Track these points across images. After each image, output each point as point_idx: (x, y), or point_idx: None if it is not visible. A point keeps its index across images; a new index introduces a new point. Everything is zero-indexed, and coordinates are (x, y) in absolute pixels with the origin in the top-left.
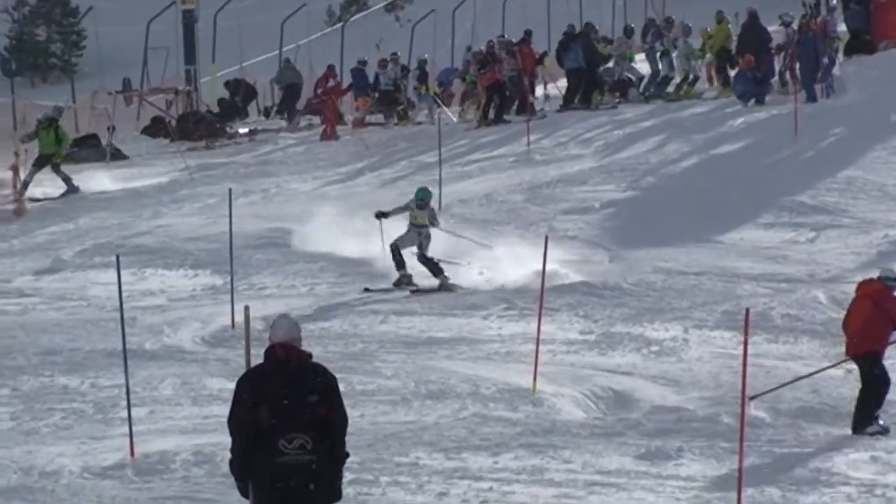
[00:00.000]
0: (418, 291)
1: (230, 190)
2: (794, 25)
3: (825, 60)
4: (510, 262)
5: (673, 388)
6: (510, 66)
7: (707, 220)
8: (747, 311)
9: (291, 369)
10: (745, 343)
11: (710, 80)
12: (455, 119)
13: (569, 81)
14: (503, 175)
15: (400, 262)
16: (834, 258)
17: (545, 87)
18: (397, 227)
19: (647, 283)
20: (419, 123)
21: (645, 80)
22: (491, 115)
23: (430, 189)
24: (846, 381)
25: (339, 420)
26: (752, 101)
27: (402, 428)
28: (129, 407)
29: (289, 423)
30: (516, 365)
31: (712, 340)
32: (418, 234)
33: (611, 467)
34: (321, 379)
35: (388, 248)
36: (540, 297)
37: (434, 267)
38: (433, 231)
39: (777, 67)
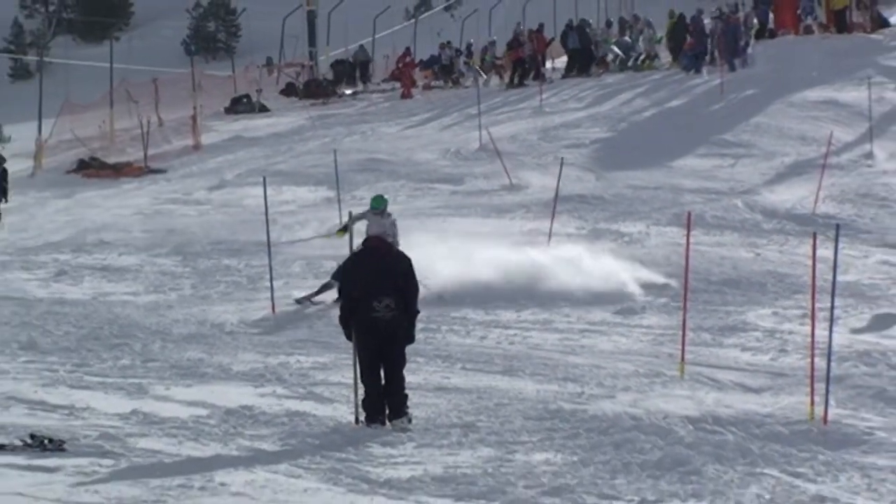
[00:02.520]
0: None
1: (333, 137)
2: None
3: (742, 43)
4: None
5: (639, 265)
6: (529, 48)
7: (661, 152)
8: (689, 213)
9: (380, 254)
10: (688, 235)
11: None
12: (490, 83)
13: (569, 58)
14: (523, 122)
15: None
16: (747, 177)
17: (552, 62)
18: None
19: (621, 195)
20: (466, 87)
21: (619, 57)
22: (515, 80)
23: (385, 196)
24: (756, 261)
25: (412, 288)
26: (693, 70)
27: (456, 290)
28: (271, 280)
29: (377, 290)
30: (532, 249)
31: (665, 233)
32: None
33: (596, 319)
34: (401, 261)
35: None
36: (554, 204)
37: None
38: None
39: (709, 48)
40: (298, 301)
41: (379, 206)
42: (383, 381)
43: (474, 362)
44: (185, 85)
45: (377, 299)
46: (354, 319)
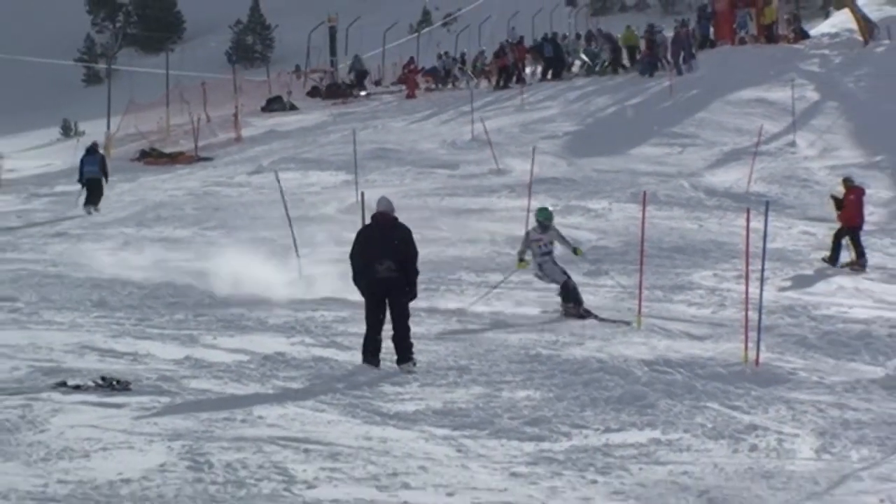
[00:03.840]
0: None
1: (353, 129)
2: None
3: (688, 52)
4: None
5: (602, 234)
6: (512, 56)
7: (621, 142)
8: (644, 193)
9: (383, 226)
10: (644, 211)
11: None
12: (480, 86)
13: (545, 65)
14: (507, 117)
15: (578, 297)
16: (692, 162)
17: (531, 69)
18: None
19: (588, 177)
20: (461, 89)
21: (586, 64)
22: (501, 83)
23: (549, 209)
24: (700, 231)
25: (412, 253)
26: (647, 74)
27: (452, 259)
28: (296, 248)
29: (380, 255)
30: (516, 223)
31: (624, 209)
32: (555, 264)
33: None
34: (401, 231)
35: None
36: (528, 186)
37: (578, 296)
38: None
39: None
40: None
41: (546, 218)
42: (392, 331)
43: (470, 315)
44: (228, 88)
45: (379, 262)
46: (361, 279)
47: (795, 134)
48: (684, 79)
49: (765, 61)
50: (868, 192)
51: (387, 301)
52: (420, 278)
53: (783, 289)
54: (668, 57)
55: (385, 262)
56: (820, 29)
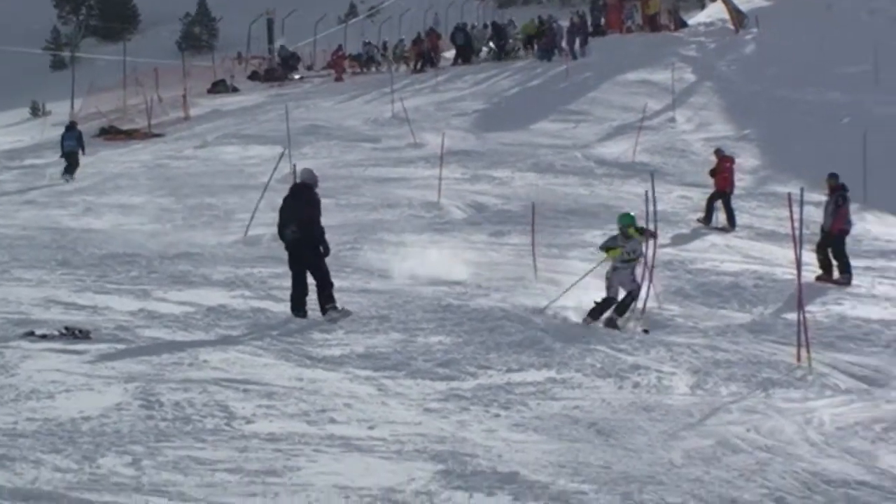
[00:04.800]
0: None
1: (286, 107)
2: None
3: (582, 39)
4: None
5: (506, 199)
6: (427, 44)
7: (523, 118)
8: (541, 162)
9: (296, 194)
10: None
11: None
12: (400, 70)
13: (456, 51)
14: (423, 97)
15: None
16: (585, 136)
17: (444, 54)
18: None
19: (494, 149)
20: (382, 73)
21: (493, 50)
22: (418, 67)
23: (632, 214)
24: (591, 196)
25: (314, 217)
26: (546, 59)
27: (374, 221)
28: (252, 213)
29: (290, 219)
30: (430, 190)
31: (525, 178)
32: (631, 273)
33: (478, 240)
34: (309, 197)
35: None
36: (440, 157)
37: (626, 309)
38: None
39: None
40: None
41: (626, 224)
42: (312, 284)
43: (389, 270)
44: (178, 73)
45: (288, 226)
46: (282, 238)
47: (675, 111)
48: (578, 63)
49: (649, 47)
50: (738, 161)
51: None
52: (345, 238)
53: (663, 245)
54: (564, 44)
55: (291, 226)
56: (697, 19)
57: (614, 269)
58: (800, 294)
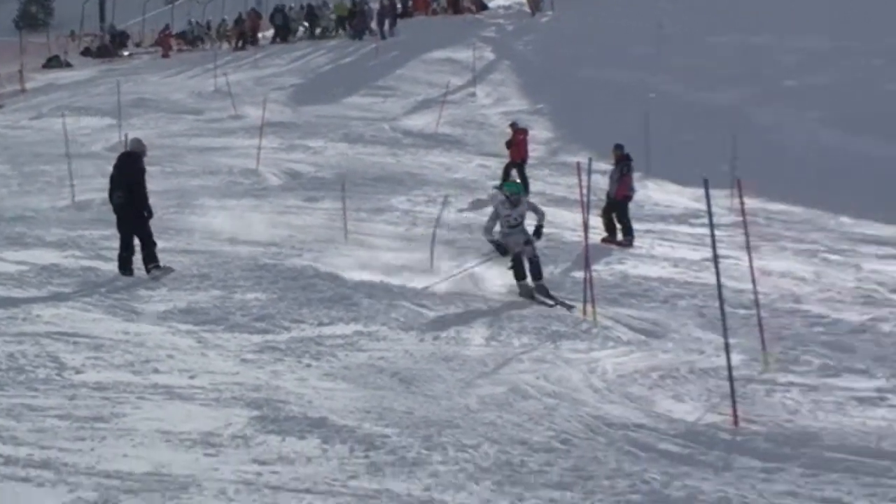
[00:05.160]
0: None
1: (117, 81)
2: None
3: (391, 20)
4: (246, 112)
5: (319, 168)
6: (249, 23)
7: (336, 93)
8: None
9: (122, 161)
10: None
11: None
12: (223, 47)
13: (275, 31)
14: (244, 73)
15: (521, 271)
16: (392, 110)
17: (264, 33)
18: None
19: (309, 122)
20: (206, 50)
21: (308, 30)
22: (239, 45)
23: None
24: (397, 164)
25: (138, 183)
26: (357, 38)
27: (197, 187)
28: (71, 179)
29: (117, 185)
30: (249, 158)
31: (337, 147)
32: (522, 234)
33: (292, 205)
34: (133, 165)
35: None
36: (259, 128)
37: (538, 270)
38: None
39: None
40: None
41: (514, 192)
42: (136, 245)
43: (210, 232)
44: (15, 49)
45: (115, 192)
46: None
47: (475, 87)
48: (387, 42)
49: (452, 28)
50: (531, 133)
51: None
52: (169, 202)
53: (462, 210)
54: (374, 25)
55: (118, 192)
56: (497, 2)
57: (505, 235)
58: (587, 254)
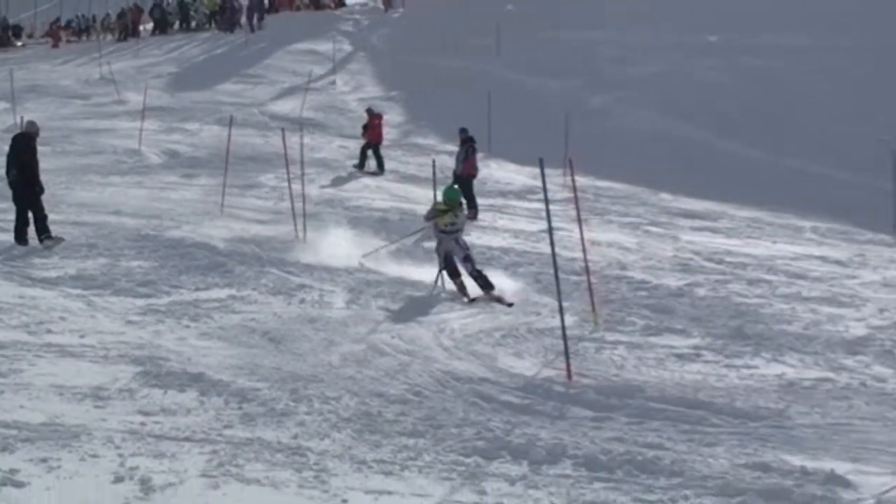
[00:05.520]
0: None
1: (11, 69)
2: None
3: (260, 15)
4: (129, 98)
5: (196, 148)
6: (131, 17)
7: (209, 80)
8: (230, 117)
9: (16, 142)
10: (229, 133)
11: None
12: (107, 39)
13: (154, 24)
14: (126, 62)
15: (454, 270)
16: (260, 96)
17: (144, 26)
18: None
19: (186, 106)
20: (93, 41)
21: (185, 24)
22: (122, 37)
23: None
24: (266, 145)
25: (33, 162)
26: (228, 31)
27: (85, 165)
28: None
29: (10, 164)
30: (132, 139)
31: (211, 130)
32: (455, 243)
33: (171, 181)
34: (24, 144)
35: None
36: (141, 112)
37: (486, 281)
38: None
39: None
40: None
41: (452, 200)
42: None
43: (97, 206)
44: None
45: (9, 170)
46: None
47: (335, 75)
48: (256, 35)
49: (314, 23)
50: (386, 117)
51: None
52: (60, 179)
53: (324, 186)
54: (244, 19)
55: (13, 170)
56: None
57: (439, 241)
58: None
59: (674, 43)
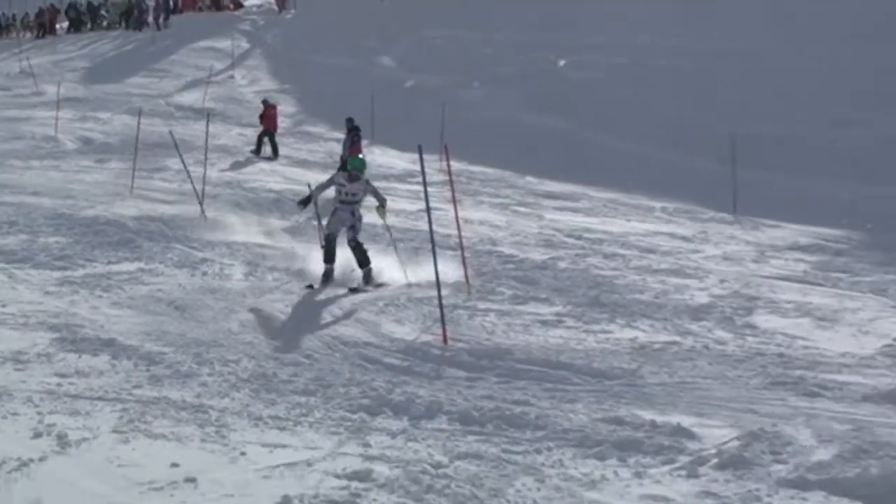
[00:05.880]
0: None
1: None
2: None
3: (165, 14)
4: (46, 90)
5: (108, 135)
6: (47, 17)
7: (119, 74)
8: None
9: None
10: (139, 122)
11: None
12: (27, 36)
13: (69, 23)
14: (43, 58)
15: (330, 254)
16: (166, 88)
17: (61, 25)
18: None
19: (98, 97)
20: (12, 38)
21: (97, 23)
22: (40, 35)
23: (364, 159)
24: (170, 134)
25: None
26: (137, 29)
27: (6, 151)
28: None
29: None
30: (49, 127)
31: (122, 119)
32: (351, 215)
33: (86, 165)
34: None
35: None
36: (57, 102)
37: (364, 256)
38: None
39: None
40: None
41: (360, 169)
42: None
43: (17, 187)
44: None
45: None
46: None
47: (234, 70)
48: (162, 33)
49: (214, 23)
50: (280, 107)
51: None
52: None
53: (224, 170)
54: (151, 19)
55: None
56: (251, 1)
57: (335, 209)
58: (316, 204)
59: (540, 43)
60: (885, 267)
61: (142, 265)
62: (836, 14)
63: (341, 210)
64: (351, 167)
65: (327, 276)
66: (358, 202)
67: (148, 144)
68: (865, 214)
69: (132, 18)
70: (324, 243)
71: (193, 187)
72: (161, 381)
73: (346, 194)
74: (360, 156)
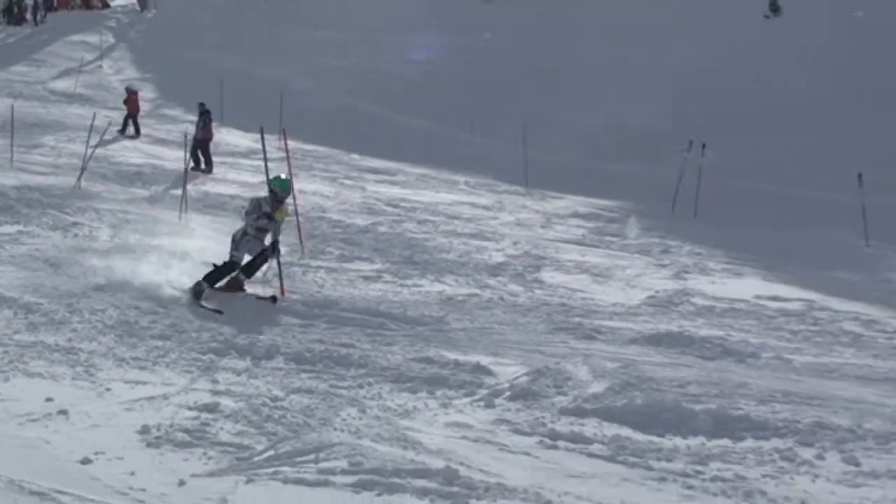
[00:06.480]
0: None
1: None
2: None
3: (43, 12)
4: None
5: None
6: (31, 7)
7: (2, 63)
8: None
9: None
10: (17, 104)
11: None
12: None
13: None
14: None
15: (215, 278)
16: (43, 76)
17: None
18: None
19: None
20: None
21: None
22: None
23: (288, 179)
24: (46, 115)
25: None
26: (17, 25)
27: None
28: None
29: None
30: None
31: (4, 102)
32: (261, 243)
33: None
34: None
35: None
36: None
37: (254, 270)
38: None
39: (28, 15)
40: None
41: (283, 189)
42: None
43: None
44: None
45: None
46: None
47: (102, 61)
48: (40, 28)
49: (85, 20)
50: (141, 93)
51: None
52: None
53: (93, 147)
54: (29, 16)
55: None
56: (117, 2)
57: (245, 236)
58: (185, 178)
59: (362, 39)
60: (648, 232)
61: (21, 228)
62: None
63: (254, 239)
64: (281, 188)
65: (202, 289)
66: (267, 231)
67: (27, 124)
68: (635, 187)
69: (13, 15)
70: (220, 264)
71: (82, 163)
72: (37, 328)
73: (266, 221)
74: (283, 176)
